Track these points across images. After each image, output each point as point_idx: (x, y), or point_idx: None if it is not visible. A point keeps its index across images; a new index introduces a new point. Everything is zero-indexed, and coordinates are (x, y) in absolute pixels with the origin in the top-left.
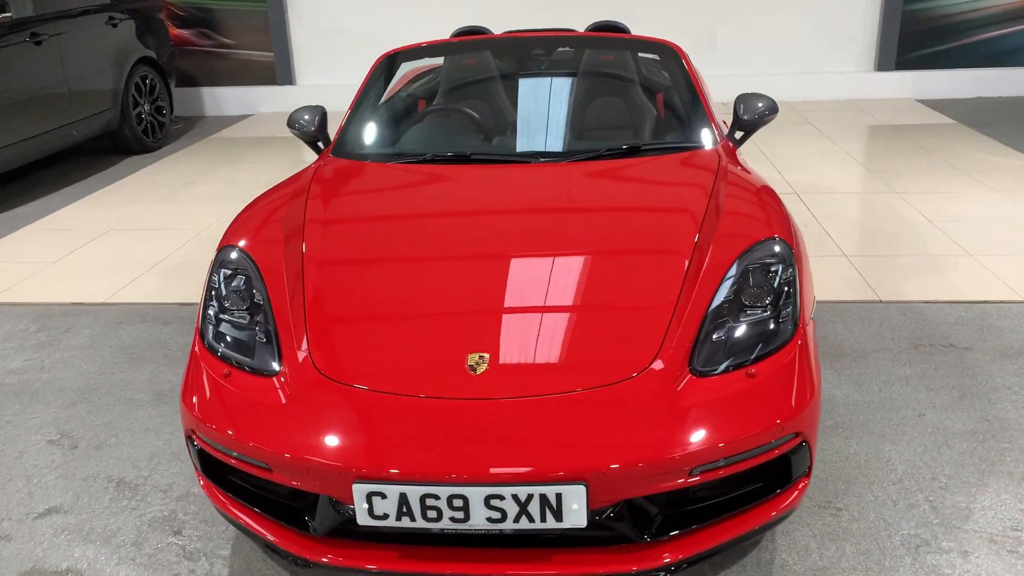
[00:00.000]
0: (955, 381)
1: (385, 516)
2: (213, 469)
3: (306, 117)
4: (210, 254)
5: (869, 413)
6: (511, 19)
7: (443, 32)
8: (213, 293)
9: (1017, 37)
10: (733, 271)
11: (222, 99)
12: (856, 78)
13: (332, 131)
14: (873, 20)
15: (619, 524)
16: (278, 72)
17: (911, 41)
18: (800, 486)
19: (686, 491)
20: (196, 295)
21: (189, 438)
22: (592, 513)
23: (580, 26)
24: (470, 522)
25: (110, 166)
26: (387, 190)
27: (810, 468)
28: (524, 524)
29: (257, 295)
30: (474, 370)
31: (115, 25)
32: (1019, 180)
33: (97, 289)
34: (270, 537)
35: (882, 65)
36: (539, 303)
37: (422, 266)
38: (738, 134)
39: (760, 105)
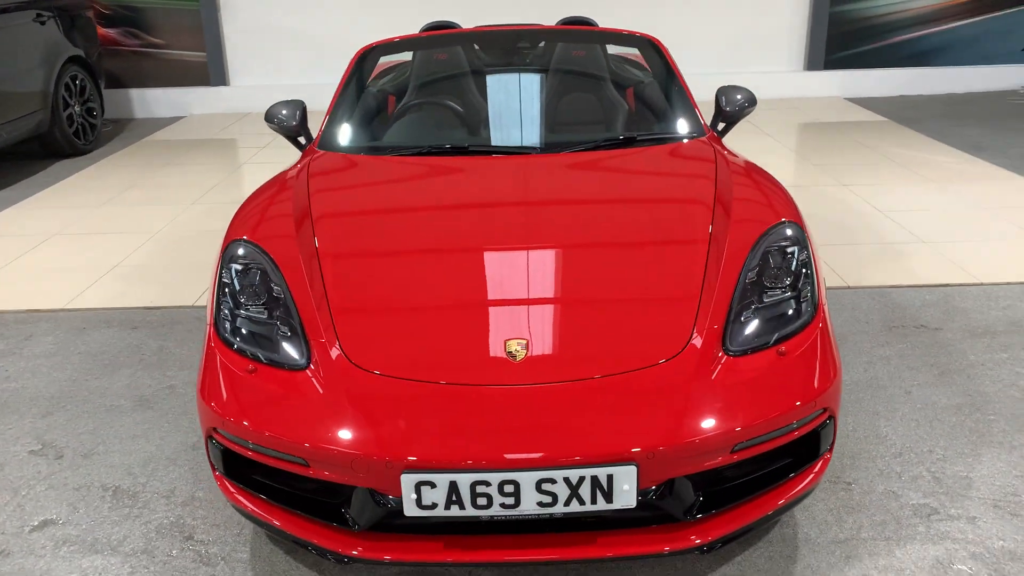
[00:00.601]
0: (933, 359)
1: (433, 506)
2: (235, 470)
3: (285, 112)
4: (171, 257)
5: (859, 392)
6: (453, 16)
7: (382, 31)
8: (226, 289)
9: (936, 38)
10: (752, 255)
11: (152, 101)
12: (788, 77)
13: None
14: (803, 21)
15: (664, 503)
16: (211, 73)
17: (838, 42)
18: (825, 460)
19: (722, 470)
20: (162, 298)
21: (210, 438)
22: (641, 493)
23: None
24: (520, 508)
25: (41, 169)
26: (393, 182)
27: (832, 443)
28: (574, 507)
29: (276, 288)
30: (514, 357)
31: (43, 23)
32: (952, 172)
33: (53, 295)
34: (307, 536)
35: (811, 65)
36: (568, 292)
37: (444, 256)
38: (720, 125)
39: (740, 97)
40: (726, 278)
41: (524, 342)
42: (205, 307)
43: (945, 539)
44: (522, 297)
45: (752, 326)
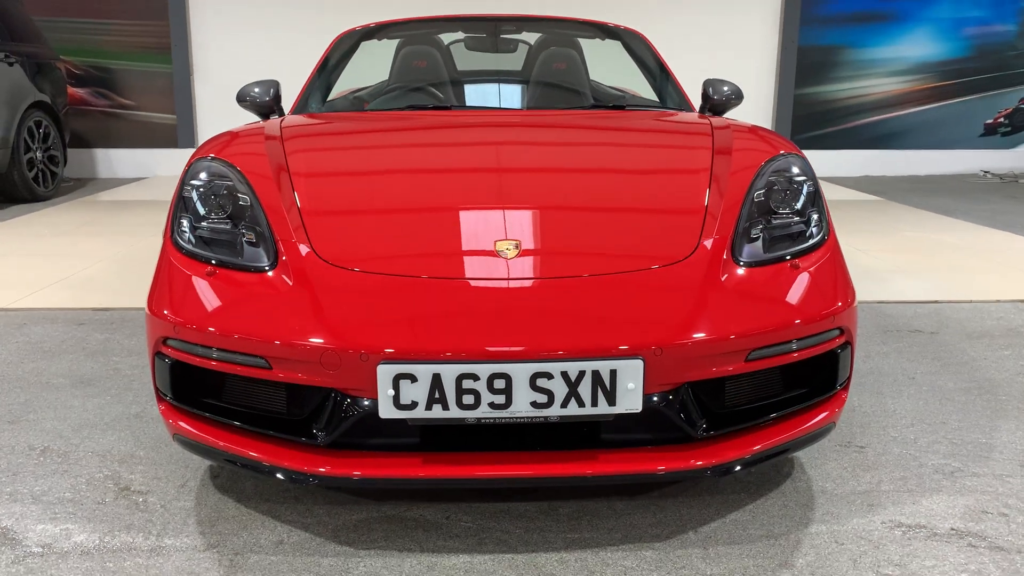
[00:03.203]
0: (933, 354)
1: (413, 405)
2: (183, 394)
3: (257, 89)
4: (124, 272)
5: (861, 377)
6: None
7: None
8: (186, 204)
9: (897, 122)
10: (758, 178)
11: (116, 161)
12: None
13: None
14: (768, 103)
15: (670, 412)
16: (179, 134)
17: (804, 123)
18: (844, 396)
19: (735, 388)
20: (114, 304)
21: (157, 355)
22: (646, 398)
23: None
24: (511, 408)
25: None
26: (371, 122)
27: (849, 378)
28: (572, 409)
29: (242, 198)
30: (504, 254)
31: (10, 64)
32: (927, 226)
33: None
34: (265, 458)
35: None
36: (565, 200)
37: (429, 171)
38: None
39: (726, 89)
40: (731, 197)
41: (515, 242)
42: None
43: (973, 492)
44: (514, 204)
45: (761, 240)
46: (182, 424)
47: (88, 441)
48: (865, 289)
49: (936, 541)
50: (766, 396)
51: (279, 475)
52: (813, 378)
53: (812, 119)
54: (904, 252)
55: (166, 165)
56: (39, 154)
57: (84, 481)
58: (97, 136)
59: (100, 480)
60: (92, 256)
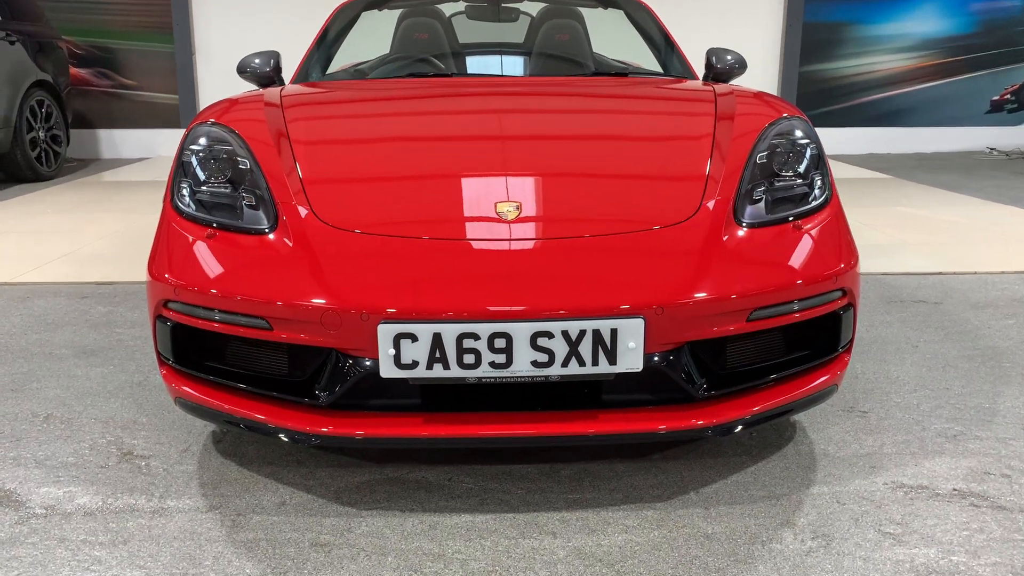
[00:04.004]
0: (936, 323)
1: (414, 364)
2: (184, 357)
3: (258, 60)
4: (129, 247)
5: (864, 346)
6: None
7: None
8: (184, 166)
9: (903, 99)
10: (761, 140)
11: (120, 141)
12: None
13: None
14: (772, 81)
15: (672, 372)
16: (182, 115)
17: (808, 101)
18: (846, 359)
19: (739, 348)
20: (116, 278)
21: (158, 318)
22: (647, 358)
23: None
24: (512, 367)
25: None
26: (372, 91)
27: (851, 340)
28: (573, 369)
29: (242, 162)
30: (505, 216)
31: (12, 43)
32: (933, 200)
33: None
34: (268, 419)
35: None
36: (564, 164)
37: (431, 139)
38: None
39: (730, 58)
40: (734, 160)
41: (516, 204)
42: None
43: (976, 455)
44: (515, 168)
45: (764, 202)
46: (184, 388)
47: (91, 408)
48: (869, 262)
49: (938, 501)
50: (768, 358)
51: (281, 435)
52: (815, 340)
53: (817, 96)
54: (909, 226)
55: (168, 145)
56: (42, 134)
57: (87, 446)
58: (99, 116)
59: (103, 445)
60: (94, 233)
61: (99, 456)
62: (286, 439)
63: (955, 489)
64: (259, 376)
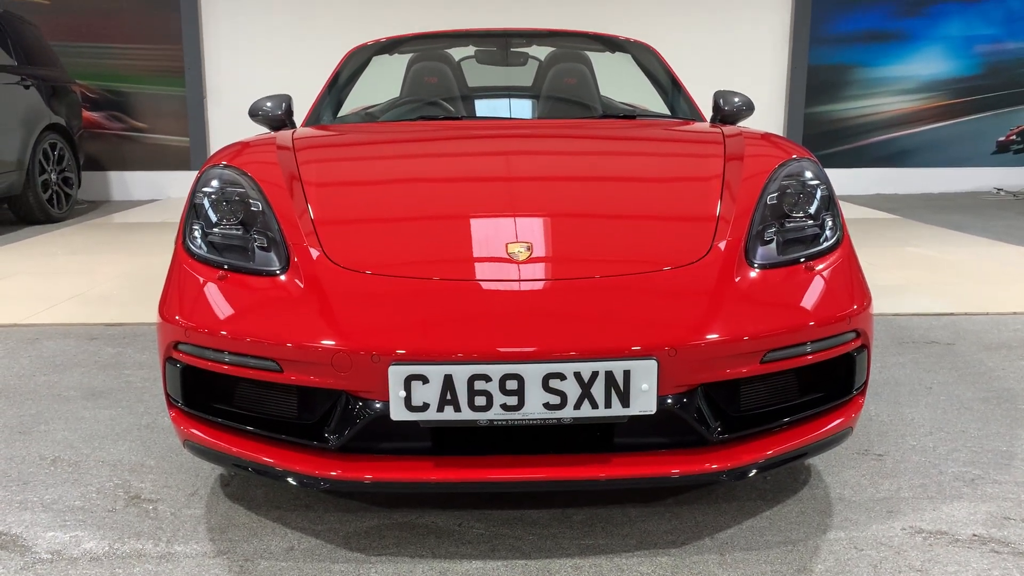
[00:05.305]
0: (949, 365)
1: (425, 407)
2: (193, 400)
3: (270, 104)
4: (139, 289)
5: (877, 388)
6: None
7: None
8: (196, 208)
9: (908, 140)
10: (771, 181)
11: (131, 183)
12: None
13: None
14: (778, 121)
15: (685, 414)
16: (192, 157)
17: (814, 142)
18: (861, 401)
19: (753, 391)
20: (126, 319)
21: (168, 360)
22: (660, 400)
23: None
24: (524, 410)
25: (10, 231)
26: (383, 134)
27: (866, 383)
28: (586, 411)
29: (254, 204)
30: (516, 257)
31: (26, 87)
32: (939, 240)
33: (4, 315)
34: (277, 462)
35: None
36: (576, 207)
37: (442, 181)
38: None
39: (737, 100)
40: (744, 202)
41: (527, 245)
42: None
43: (995, 499)
44: (525, 209)
45: (776, 244)
46: (193, 430)
47: (99, 451)
48: (880, 302)
49: (958, 547)
50: (782, 400)
51: (290, 479)
52: (829, 382)
53: (824, 137)
54: (918, 267)
55: (179, 187)
56: (54, 176)
57: (94, 490)
58: (111, 159)
59: (110, 489)
60: (104, 274)
61: (106, 500)
62: (295, 483)
63: (975, 535)
64: (268, 419)
